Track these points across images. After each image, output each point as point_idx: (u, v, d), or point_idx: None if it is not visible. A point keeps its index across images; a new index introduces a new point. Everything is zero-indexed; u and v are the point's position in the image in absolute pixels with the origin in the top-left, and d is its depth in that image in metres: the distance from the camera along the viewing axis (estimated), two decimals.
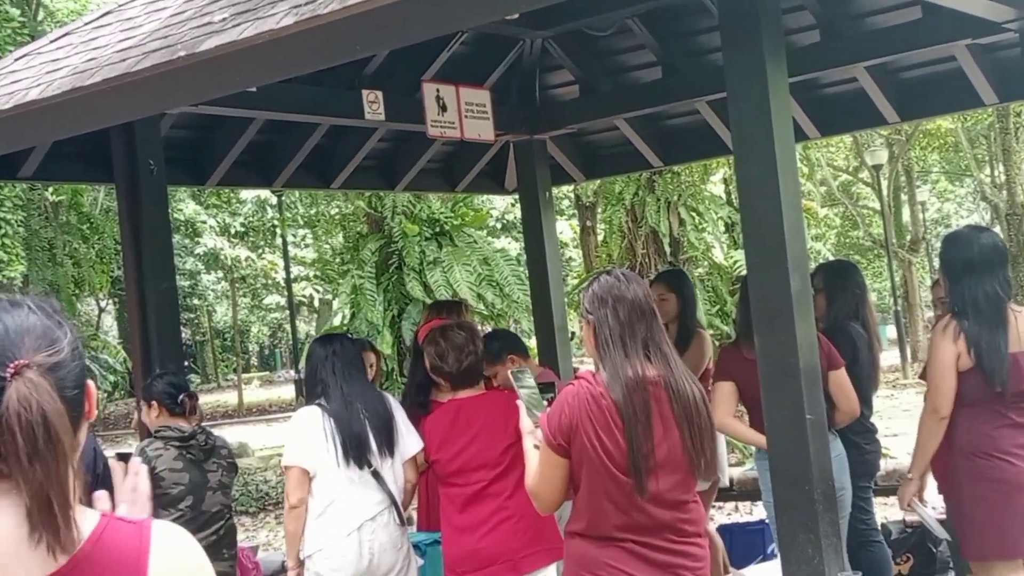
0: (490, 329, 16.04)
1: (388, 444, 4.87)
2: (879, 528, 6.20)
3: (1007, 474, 4.55)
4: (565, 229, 29.74)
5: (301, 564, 4.96)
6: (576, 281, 20.25)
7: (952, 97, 7.71)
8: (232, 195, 28.04)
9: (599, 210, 19.63)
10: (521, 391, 3.90)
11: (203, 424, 5.52)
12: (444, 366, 4.84)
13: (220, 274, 34.91)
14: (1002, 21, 6.06)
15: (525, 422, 3.81)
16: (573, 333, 30.81)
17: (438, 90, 6.90)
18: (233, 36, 4.47)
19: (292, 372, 35.34)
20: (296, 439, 4.91)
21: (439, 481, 4.93)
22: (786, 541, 4.36)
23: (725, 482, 6.38)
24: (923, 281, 32.27)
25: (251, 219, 30.15)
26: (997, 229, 23.83)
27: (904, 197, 32.84)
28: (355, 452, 4.81)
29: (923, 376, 4.94)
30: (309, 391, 5.10)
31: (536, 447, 3.70)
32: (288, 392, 36.62)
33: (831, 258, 24.72)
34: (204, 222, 28.69)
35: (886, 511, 8.65)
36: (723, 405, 5.54)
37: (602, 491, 3.51)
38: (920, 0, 6.24)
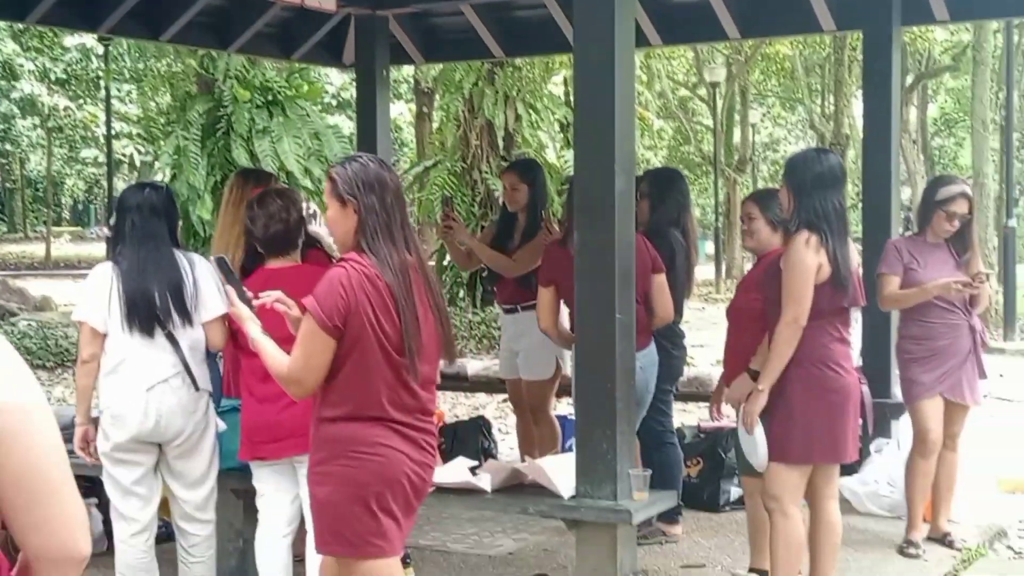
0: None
1: (180, 308, 4.74)
2: (675, 431, 6.39)
3: (840, 383, 4.76)
4: (404, 111, 29.45)
5: (90, 420, 4.84)
6: (408, 165, 20.09)
7: (792, 19, 7.83)
8: (55, 39, 26.79)
9: (437, 97, 19.47)
10: (227, 277, 4.00)
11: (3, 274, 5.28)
12: (254, 231, 4.74)
13: (37, 120, 33.41)
14: None
15: (241, 309, 3.84)
16: None
17: None
18: None
19: (105, 230, 34.32)
20: (88, 295, 4.76)
21: (240, 349, 4.84)
22: (583, 435, 4.46)
23: (567, 371, 6.44)
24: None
25: (74, 67, 28.87)
26: None
27: (737, 117, 33.52)
28: (140, 315, 4.67)
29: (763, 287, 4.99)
30: (113, 243, 4.94)
31: (265, 333, 3.79)
32: (100, 249, 35.59)
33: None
34: (22, 65, 27.35)
35: (683, 417, 8.94)
36: (546, 311, 5.65)
37: (376, 372, 3.58)
38: None
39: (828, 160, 4.83)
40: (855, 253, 4.92)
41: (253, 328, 3.81)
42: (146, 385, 4.69)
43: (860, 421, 4.93)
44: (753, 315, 5.04)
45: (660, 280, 5.70)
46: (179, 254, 4.87)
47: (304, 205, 5.21)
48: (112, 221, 5.05)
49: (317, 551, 3.81)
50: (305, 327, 3.58)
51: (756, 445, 4.74)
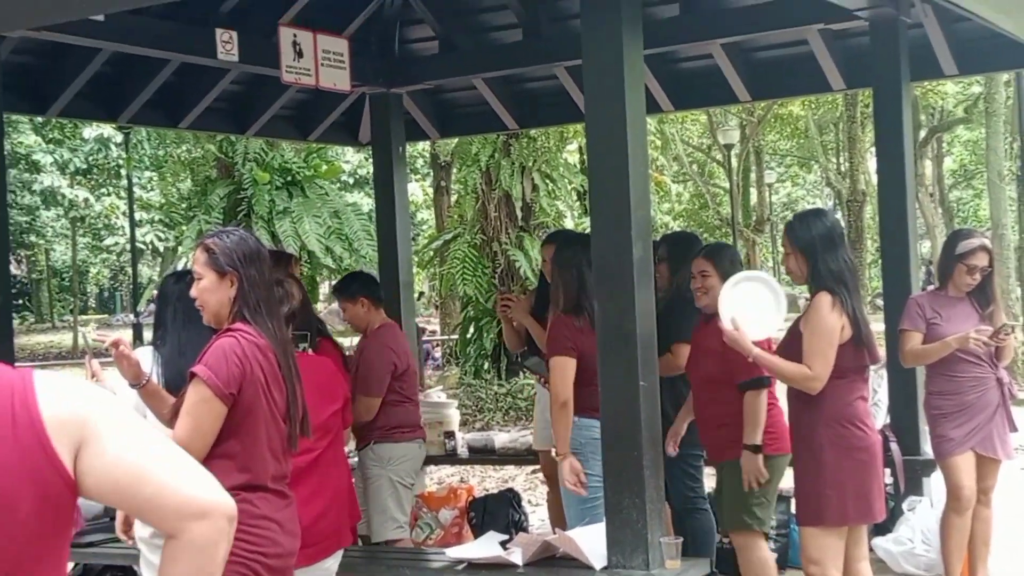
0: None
1: None
2: (706, 496, 6.34)
3: (866, 442, 4.77)
4: (416, 191, 29.65)
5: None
6: (426, 240, 20.19)
7: (802, 80, 7.92)
8: (75, 131, 27.15)
9: (454, 170, 19.60)
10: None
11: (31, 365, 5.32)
12: None
13: (60, 211, 33.77)
14: (854, 8, 6.22)
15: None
16: (421, 293, 30.78)
17: (295, 35, 6.77)
18: None
19: (131, 316, 34.46)
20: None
21: None
22: (612, 504, 4.43)
23: None
24: (766, 260, 33.11)
25: (95, 156, 29.21)
26: (839, 215, 24.57)
27: (753, 178, 33.59)
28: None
29: (781, 353, 5.00)
30: (155, 328, 4.95)
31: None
32: (127, 336, 35.71)
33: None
34: (38, 161, 27.71)
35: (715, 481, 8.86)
36: (568, 380, 5.36)
37: (266, 440, 3.61)
38: None
39: (828, 219, 4.89)
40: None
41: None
42: None
43: (885, 480, 4.94)
44: (722, 382, 5.11)
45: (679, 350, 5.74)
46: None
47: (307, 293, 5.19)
48: (153, 308, 5.08)
49: None
50: (196, 395, 3.54)
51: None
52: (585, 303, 5.30)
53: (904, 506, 6.40)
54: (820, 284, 4.72)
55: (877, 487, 4.80)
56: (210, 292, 3.71)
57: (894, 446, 6.41)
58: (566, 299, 5.43)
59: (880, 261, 6.99)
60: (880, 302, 6.66)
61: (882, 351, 5.29)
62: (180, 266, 17.26)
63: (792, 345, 4.83)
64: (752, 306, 4.88)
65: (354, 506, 5.02)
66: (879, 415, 6.42)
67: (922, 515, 6.35)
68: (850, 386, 4.74)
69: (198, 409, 3.53)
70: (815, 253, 4.74)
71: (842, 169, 29.92)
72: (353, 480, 5.25)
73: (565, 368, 5.28)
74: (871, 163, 23.81)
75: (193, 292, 3.78)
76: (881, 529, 6.11)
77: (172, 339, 4.75)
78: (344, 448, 4.80)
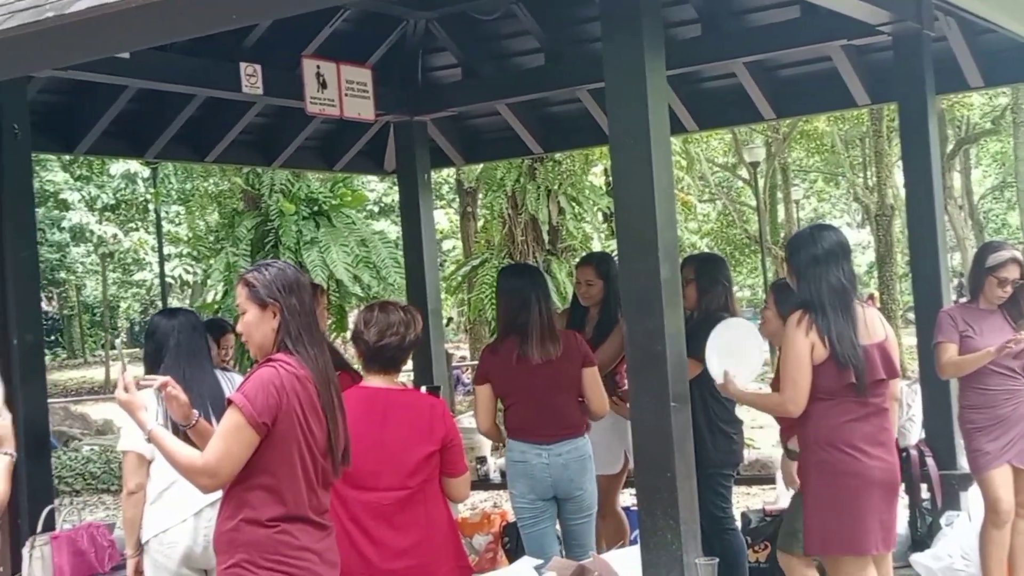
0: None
1: None
2: (735, 517, 6.31)
3: (856, 468, 4.62)
4: (442, 219, 29.73)
5: (141, 550, 4.82)
6: (453, 267, 20.22)
7: (826, 96, 7.90)
8: (102, 167, 27.37)
9: (480, 196, 19.65)
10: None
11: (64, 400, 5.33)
12: (364, 334, 4.48)
13: (90, 247, 34.03)
14: (877, 23, 6.20)
15: (133, 397, 3.73)
16: (450, 319, 30.84)
17: (318, 66, 6.82)
18: None
19: (118, 342, 34.68)
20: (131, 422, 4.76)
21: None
22: (647, 526, 4.40)
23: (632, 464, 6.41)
24: None
25: (121, 192, 29.42)
26: (868, 229, 24.45)
27: (780, 195, 33.49)
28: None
29: (776, 378, 5.00)
30: (147, 369, 4.82)
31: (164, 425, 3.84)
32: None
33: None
34: (65, 198, 27.92)
35: (748, 500, 8.83)
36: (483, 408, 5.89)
37: (301, 473, 3.63)
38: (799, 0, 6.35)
39: (826, 238, 4.77)
40: (878, 323, 4.83)
41: (147, 418, 3.73)
42: (194, 510, 4.66)
43: (921, 496, 4.83)
44: None
45: (592, 374, 5.74)
46: (220, 373, 4.89)
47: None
48: (145, 346, 5.01)
49: None
50: (231, 421, 3.57)
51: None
52: (513, 331, 5.68)
53: (942, 521, 6.34)
54: (797, 303, 4.69)
55: (874, 515, 4.63)
56: (254, 326, 3.73)
57: (930, 461, 6.34)
58: (497, 327, 5.61)
59: (910, 275, 6.94)
60: (912, 315, 6.59)
61: (913, 365, 5.24)
62: (209, 298, 17.33)
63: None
64: (738, 351, 4.85)
65: (457, 552, 4.65)
66: (913, 430, 6.36)
67: (960, 530, 6.28)
68: (838, 408, 4.62)
69: (231, 435, 3.57)
70: (801, 271, 4.71)
71: (869, 184, 29.79)
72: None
73: (478, 397, 5.87)
74: (898, 177, 23.70)
75: (239, 327, 3.80)
76: (920, 545, 6.06)
77: (174, 375, 4.73)
78: (439, 490, 4.53)
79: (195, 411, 3.82)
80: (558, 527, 5.96)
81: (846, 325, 4.62)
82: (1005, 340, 5.58)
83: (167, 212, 29.62)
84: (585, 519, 5.82)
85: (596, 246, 16.86)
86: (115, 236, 32.22)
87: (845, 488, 4.59)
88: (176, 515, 4.68)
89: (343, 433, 3.75)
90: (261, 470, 3.59)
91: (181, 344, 4.83)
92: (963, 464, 6.21)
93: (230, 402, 3.60)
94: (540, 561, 5.01)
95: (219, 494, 3.89)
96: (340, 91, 6.92)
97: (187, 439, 3.76)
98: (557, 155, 14.88)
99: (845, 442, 4.61)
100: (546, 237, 15.94)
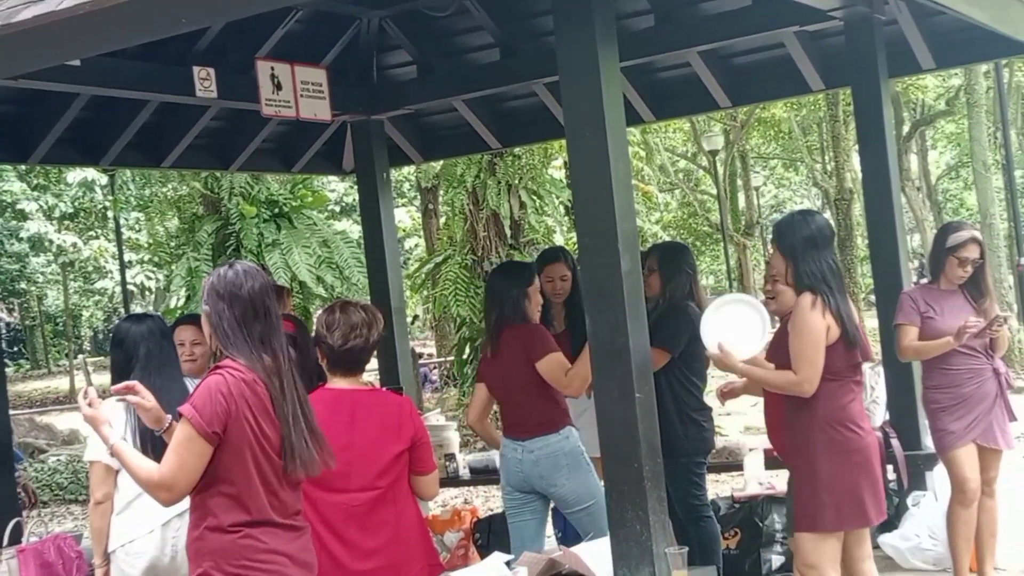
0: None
1: None
2: (710, 504, 6.33)
3: (860, 444, 4.72)
4: (404, 217, 29.64)
5: (108, 561, 4.78)
6: (416, 265, 20.18)
7: (781, 83, 7.94)
8: (59, 176, 27.12)
9: (441, 192, 19.61)
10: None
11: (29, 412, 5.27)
12: (327, 337, 4.45)
13: (50, 257, 33.72)
14: (828, 9, 6.24)
15: (98, 412, 3.72)
16: (416, 316, 30.66)
17: (272, 68, 6.78)
18: (52, 6, 4.30)
19: (80, 357, 34.44)
20: None
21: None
22: (616, 518, 4.41)
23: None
24: (757, 264, 33.11)
25: (79, 200, 29.16)
26: (828, 214, 24.60)
27: (740, 183, 33.63)
28: (156, 448, 4.58)
29: (770, 358, 4.97)
30: (113, 377, 4.75)
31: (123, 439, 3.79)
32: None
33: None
34: (23, 208, 27.64)
35: (716, 488, 8.86)
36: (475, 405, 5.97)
37: (258, 476, 3.59)
38: None
39: (815, 221, 4.84)
40: (854, 309, 4.90)
41: (109, 432, 3.69)
42: (162, 520, 4.63)
43: (887, 477, 4.89)
44: None
45: (544, 366, 5.53)
46: (189, 382, 4.84)
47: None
48: (112, 355, 4.93)
49: None
50: (182, 433, 3.55)
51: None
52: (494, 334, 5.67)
53: (908, 501, 6.39)
54: (802, 285, 4.71)
55: (874, 489, 4.74)
56: (206, 334, 3.74)
57: (895, 442, 6.40)
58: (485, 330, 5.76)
59: (870, 258, 6.99)
60: (873, 298, 6.65)
61: (876, 347, 5.28)
62: (172, 303, 17.18)
63: (780, 348, 4.82)
64: (737, 327, 4.84)
65: (427, 550, 4.65)
66: (877, 412, 6.41)
67: (927, 509, 6.34)
68: (843, 388, 4.71)
69: (183, 447, 3.54)
70: (796, 255, 4.74)
71: (828, 168, 29.95)
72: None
73: (474, 392, 5.97)
74: (856, 161, 23.85)
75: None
76: (887, 526, 6.10)
77: (144, 385, 4.68)
78: (408, 489, 4.53)
79: (168, 416, 3.75)
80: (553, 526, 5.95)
81: (847, 304, 4.72)
82: (961, 326, 5.60)
83: (126, 219, 29.36)
84: (580, 512, 5.65)
85: (559, 239, 16.86)
86: (75, 245, 31.92)
87: (855, 465, 4.68)
88: (143, 525, 4.64)
89: (305, 430, 3.68)
90: (219, 478, 3.57)
91: (151, 353, 4.77)
92: (928, 444, 6.27)
93: (180, 414, 3.56)
94: (511, 556, 5.01)
95: (187, 504, 3.83)
96: (295, 92, 6.89)
97: (165, 445, 3.72)
98: (516, 150, 14.89)
99: (851, 420, 4.72)
100: (508, 232, 15.92)
